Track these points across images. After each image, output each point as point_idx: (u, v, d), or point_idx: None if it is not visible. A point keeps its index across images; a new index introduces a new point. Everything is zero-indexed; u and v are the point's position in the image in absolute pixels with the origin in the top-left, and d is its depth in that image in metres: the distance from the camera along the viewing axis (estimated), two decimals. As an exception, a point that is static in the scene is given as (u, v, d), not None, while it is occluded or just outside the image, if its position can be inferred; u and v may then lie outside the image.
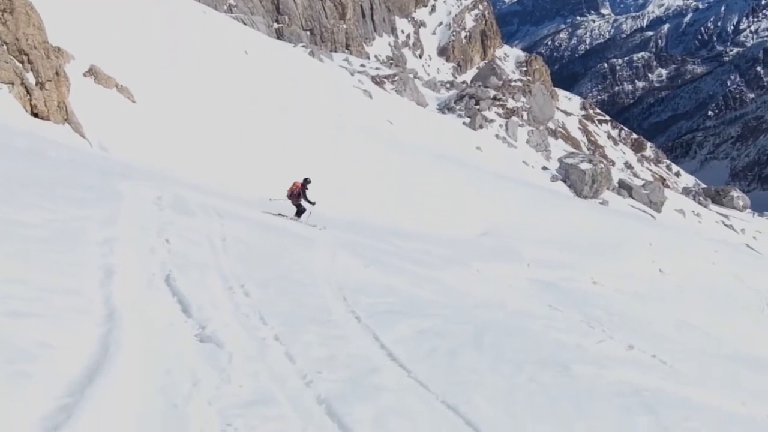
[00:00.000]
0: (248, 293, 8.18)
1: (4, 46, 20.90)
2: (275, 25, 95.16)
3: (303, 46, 77.53)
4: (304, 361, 6.44)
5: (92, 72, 26.46)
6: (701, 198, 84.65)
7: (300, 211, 18.51)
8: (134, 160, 20.77)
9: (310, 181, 18.46)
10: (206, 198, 15.29)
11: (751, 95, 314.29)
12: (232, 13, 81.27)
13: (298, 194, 18.21)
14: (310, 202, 18.33)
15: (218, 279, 8.44)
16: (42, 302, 5.53)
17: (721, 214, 78.68)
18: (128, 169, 17.01)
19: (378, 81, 69.04)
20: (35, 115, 21.18)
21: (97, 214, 9.12)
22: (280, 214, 17.94)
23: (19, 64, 21.15)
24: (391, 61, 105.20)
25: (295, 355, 6.51)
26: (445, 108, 72.11)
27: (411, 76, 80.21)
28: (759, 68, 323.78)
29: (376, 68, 78.12)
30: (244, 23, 71.08)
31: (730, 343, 19.14)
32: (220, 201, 15.72)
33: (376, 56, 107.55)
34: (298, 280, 10.19)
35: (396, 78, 73.31)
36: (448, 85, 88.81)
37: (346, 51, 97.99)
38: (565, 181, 60.99)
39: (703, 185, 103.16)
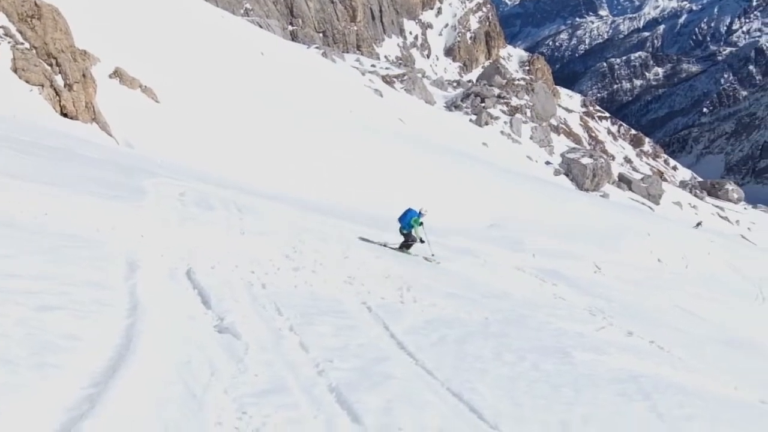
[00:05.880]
0: (264, 285, 8.13)
1: (34, 50, 20.96)
2: (289, 28, 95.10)
3: (316, 48, 77.35)
4: (317, 350, 6.39)
5: (117, 74, 26.49)
6: (697, 191, 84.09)
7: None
8: (158, 157, 20.77)
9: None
10: (227, 193, 15.25)
11: (744, 93, 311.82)
12: (248, 16, 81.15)
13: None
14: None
15: (236, 271, 8.39)
16: (69, 296, 5.51)
17: (716, 206, 78.12)
18: (152, 165, 17.00)
19: (388, 80, 68.91)
20: (64, 115, 21.27)
21: (123, 209, 9.10)
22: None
23: (48, 67, 21.22)
24: (400, 62, 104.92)
25: (308, 345, 6.47)
26: (452, 106, 71.91)
27: (419, 75, 79.89)
28: (751, 67, 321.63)
29: (386, 68, 77.97)
30: (260, 26, 70.96)
31: (725, 330, 18.92)
32: (242, 196, 15.69)
33: (386, 57, 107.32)
34: (312, 271, 10.11)
35: (405, 77, 73.18)
36: (454, 84, 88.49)
37: (357, 52, 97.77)
38: (567, 175, 60.79)
39: (699, 179, 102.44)
